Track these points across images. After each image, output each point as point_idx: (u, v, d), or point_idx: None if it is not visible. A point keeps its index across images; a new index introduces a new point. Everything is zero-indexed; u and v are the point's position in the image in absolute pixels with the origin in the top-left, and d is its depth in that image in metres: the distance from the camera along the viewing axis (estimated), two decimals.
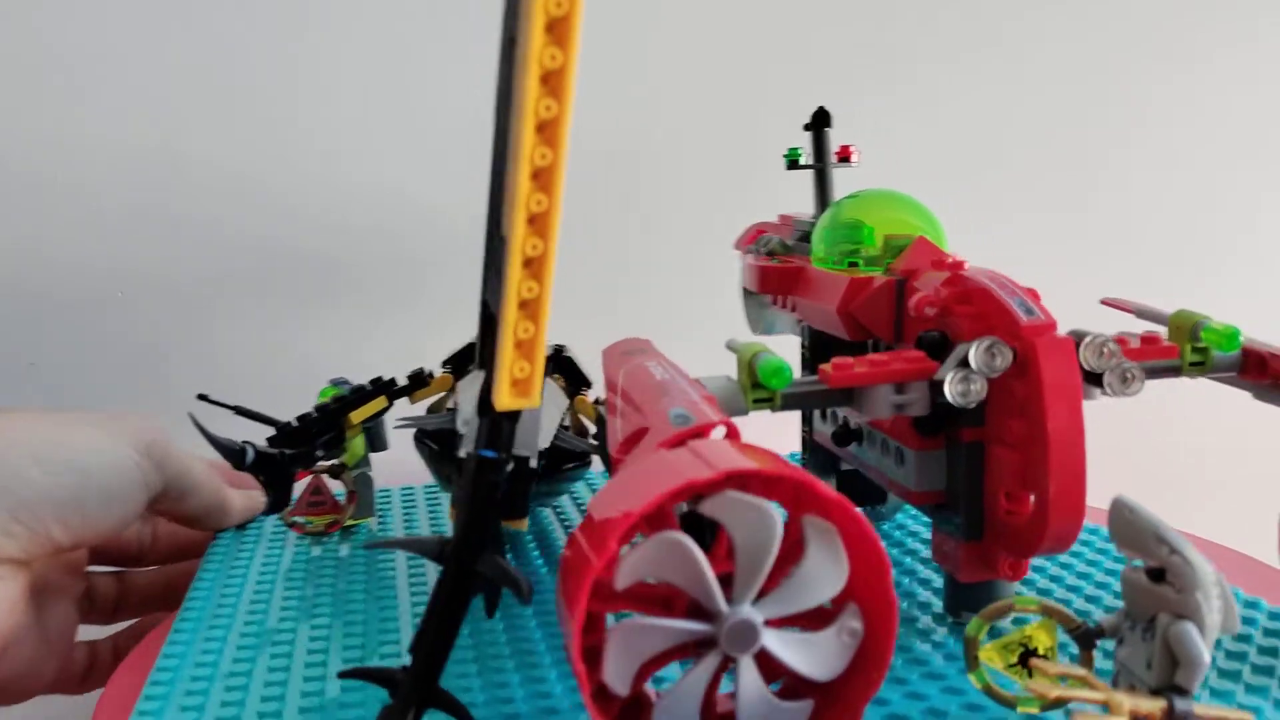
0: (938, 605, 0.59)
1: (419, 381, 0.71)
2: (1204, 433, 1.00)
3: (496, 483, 0.45)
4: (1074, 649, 0.46)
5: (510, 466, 0.46)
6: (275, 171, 0.96)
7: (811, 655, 0.42)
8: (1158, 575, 0.42)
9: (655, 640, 0.41)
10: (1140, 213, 1.13)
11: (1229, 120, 1.14)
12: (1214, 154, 1.14)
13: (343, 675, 0.45)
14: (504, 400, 0.43)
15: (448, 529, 0.75)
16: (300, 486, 0.72)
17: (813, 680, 0.43)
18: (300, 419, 0.67)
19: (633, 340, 0.60)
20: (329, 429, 0.67)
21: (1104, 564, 0.64)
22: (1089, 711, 0.40)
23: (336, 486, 0.74)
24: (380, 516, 0.77)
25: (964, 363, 0.49)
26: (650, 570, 0.40)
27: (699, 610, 0.42)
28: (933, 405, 0.52)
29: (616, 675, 0.40)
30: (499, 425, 0.45)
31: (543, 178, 0.40)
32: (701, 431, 0.45)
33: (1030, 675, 0.45)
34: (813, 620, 0.43)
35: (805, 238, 0.71)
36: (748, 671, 0.41)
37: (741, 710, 0.42)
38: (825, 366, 0.51)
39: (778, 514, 0.40)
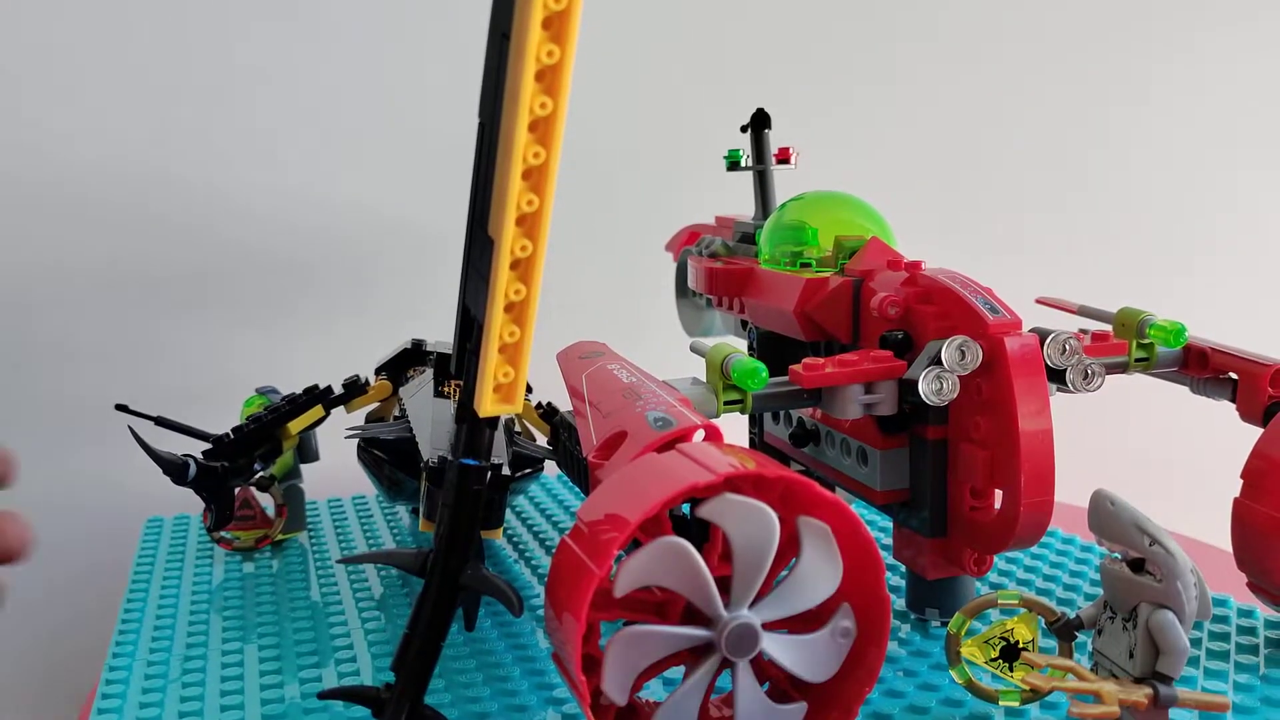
0: (898, 602, 0.60)
1: (356, 389, 0.69)
2: (1147, 427, 1.04)
3: (480, 492, 0.43)
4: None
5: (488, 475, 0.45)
6: (215, 174, 0.92)
7: (807, 657, 0.42)
8: (1138, 566, 0.43)
9: (655, 648, 0.40)
10: (1089, 214, 1.15)
11: (1189, 120, 1.17)
12: (1170, 156, 1.17)
13: (322, 696, 0.43)
14: (487, 406, 0.42)
15: (385, 540, 0.73)
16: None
17: (808, 682, 0.43)
18: (235, 431, 0.64)
19: (588, 343, 0.59)
20: (265, 440, 0.64)
21: (1068, 565, 0.65)
22: (1083, 701, 0.40)
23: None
24: (310, 530, 0.75)
25: (935, 361, 0.49)
26: (650, 576, 0.39)
27: (693, 616, 0.41)
28: (900, 404, 0.52)
29: (615, 684, 0.40)
30: (480, 432, 0.44)
31: (534, 177, 0.39)
32: (684, 435, 0.45)
33: (1011, 669, 0.46)
34: (801, 621, 0.43)
35: (746, 239, 0.71)
36: (745, 676, 0.41)
37: (740, 715, 0.41)
38: (797, 367, 0.51)
39: (775, 516, 0.40)
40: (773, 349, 0.65)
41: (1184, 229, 1.18)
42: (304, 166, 0.94)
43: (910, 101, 1.10)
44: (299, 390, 0.68)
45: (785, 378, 0.52)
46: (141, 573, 0.68)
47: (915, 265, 0.56)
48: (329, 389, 0.68)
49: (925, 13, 1.10)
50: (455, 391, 0.63)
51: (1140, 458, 1.03)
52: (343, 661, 0.55)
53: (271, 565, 0.68)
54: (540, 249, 0.40)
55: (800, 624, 0.42)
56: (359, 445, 0.65)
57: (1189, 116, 1.17)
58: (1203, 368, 0.57)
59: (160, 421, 0.67)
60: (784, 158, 0.73)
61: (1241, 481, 0.52)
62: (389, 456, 0.62)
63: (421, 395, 0.63)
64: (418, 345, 0.72)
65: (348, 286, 0.96)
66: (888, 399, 0.52)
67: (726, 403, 0.51)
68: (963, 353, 0.49)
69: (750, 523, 0.40)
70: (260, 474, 0.69)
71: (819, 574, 0.41)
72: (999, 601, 0.46)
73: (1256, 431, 0.54)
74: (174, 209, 0.91)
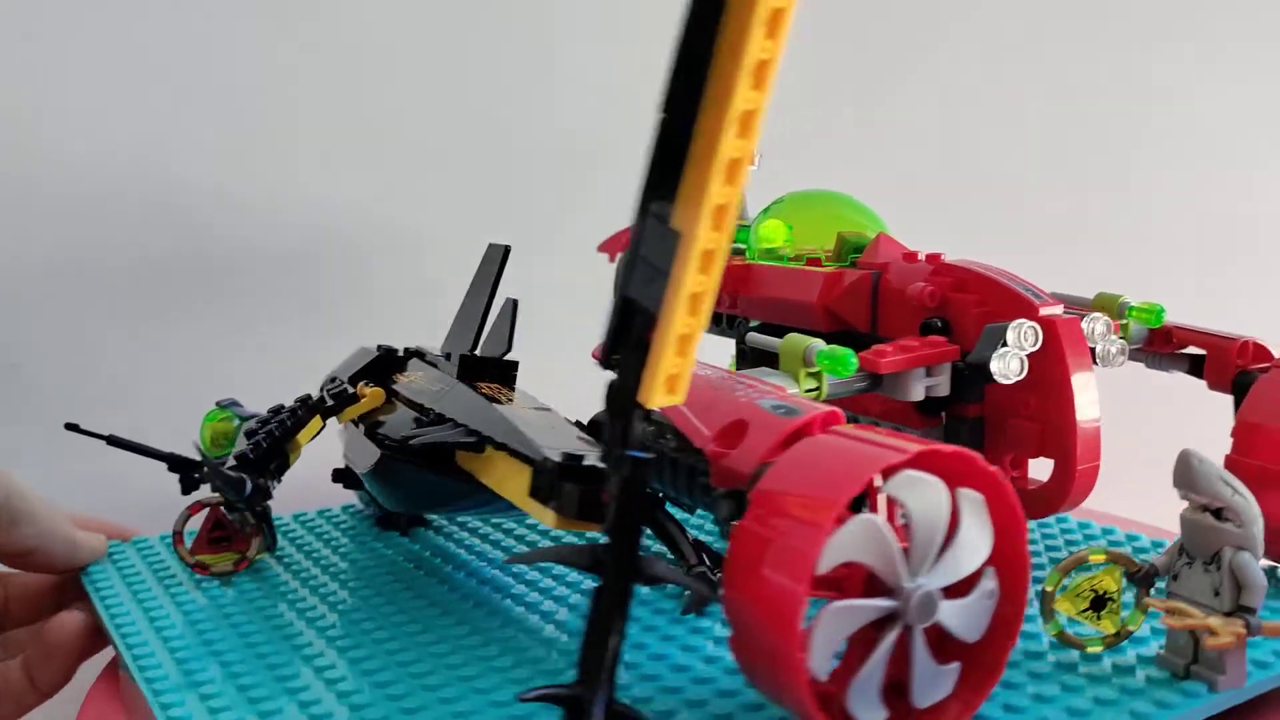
0: None
1: (346, 399, 0.66)
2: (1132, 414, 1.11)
3: (646, 483, 0.44)
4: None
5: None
6: (212, 174, 0.88)
7: (967, 618, 0.45)
8: (1218, 514, 0.48)
9: (853, 621, 0.42)
10: (1068, 211, 1.20)
11: (1187, 118, 1.22)
12: (1156, 153, 1.23)
13: (523, 699, 0.42)
14: (657, 397, 0.42)
15: (356, 554, 0.70)
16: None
17: (950, 644, 0.46)
18: (253, 447, 0.60)
19: None
20: (277, 455, 0.61)
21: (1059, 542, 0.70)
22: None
23: None
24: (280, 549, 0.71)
25: (1003, 343, 0.54)
26: (852, 552, 0.41)
27: (874, 588, 0.43)
28: (954, 384, 0.56)
29: (821, 658, 0.41)
30: (637, 424, 0.44)
31: (734, 170, 0.40)
32: (812, 420, 0.47)
33: (1099, 618, 0.51)
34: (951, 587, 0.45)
35: None
36: (921, 641, 0.44)
37: (917, 676, 0.44)
38: (868, 354, 0.54)
39: (948, 491, 0.43)
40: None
41: (1155, 225, 1.23)
42: (297, 169, 0.91)
43: (904, 101, 1.14)
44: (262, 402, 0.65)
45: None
46: (119, 612, 0.61)
47: (935, 257, 0.61)
48: (322, 399, 0.65)
49: (914, 12, 1.14)
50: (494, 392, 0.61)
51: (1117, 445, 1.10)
52: (418, 674, 0.53)
53: (256, 587, 0.64)
54: (726, 243, 0.41)
55: (950, 590, 0.45)
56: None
57: (1178, 114, 1.23)
58: (1167, 343, 0.64)
59: (112, 441, 0.64)
60: None
61: (1231, 440, 0.59)
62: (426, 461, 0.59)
63: (458, 396, 0.60)
64: (389, 352, 0.70)
65: (335, 293, 0.94)
66: (944, 380, 0.56)
67: (806, 390, 0.54)
68: (1029, 335, 0.54)
69: (929, 496, 0.43)
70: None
71: (976, 541, 0.44)
72: (1089, 557, 0.50)
73: (1226, 424, 0.60)
74: (168, 209, 0.88)
